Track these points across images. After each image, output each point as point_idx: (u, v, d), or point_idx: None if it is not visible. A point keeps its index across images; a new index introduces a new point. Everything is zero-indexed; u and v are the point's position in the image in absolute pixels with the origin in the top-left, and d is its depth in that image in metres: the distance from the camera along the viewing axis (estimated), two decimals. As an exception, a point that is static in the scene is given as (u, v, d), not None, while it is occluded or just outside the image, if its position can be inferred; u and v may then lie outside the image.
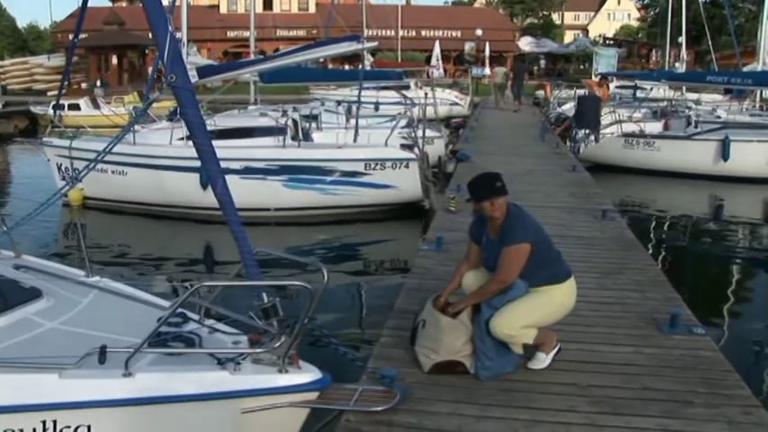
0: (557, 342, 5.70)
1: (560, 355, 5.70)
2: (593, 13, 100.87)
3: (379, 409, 4.78)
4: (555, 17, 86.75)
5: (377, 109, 21.87)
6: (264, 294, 4.55)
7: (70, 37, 19.87)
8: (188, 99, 4.65)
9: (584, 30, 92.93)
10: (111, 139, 16.21)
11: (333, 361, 5.63)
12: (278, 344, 4.48)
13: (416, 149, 15.17)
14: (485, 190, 5.41)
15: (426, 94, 19.82)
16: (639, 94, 29.36)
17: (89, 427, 4.57)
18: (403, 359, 5.74)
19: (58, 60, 47.55)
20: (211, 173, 4.68)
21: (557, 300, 5.46)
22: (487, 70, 46.35)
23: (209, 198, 14.68)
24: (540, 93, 37.40)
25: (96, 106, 32.98)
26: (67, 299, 6.03)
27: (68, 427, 4.56)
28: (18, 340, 5.20)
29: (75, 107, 32.02)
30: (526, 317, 5.31)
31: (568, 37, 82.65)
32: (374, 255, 13.08)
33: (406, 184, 14.44)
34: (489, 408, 5.03)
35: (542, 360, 5.63)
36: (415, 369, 5.55)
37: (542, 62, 63.05)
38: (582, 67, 59.26)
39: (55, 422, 4.55)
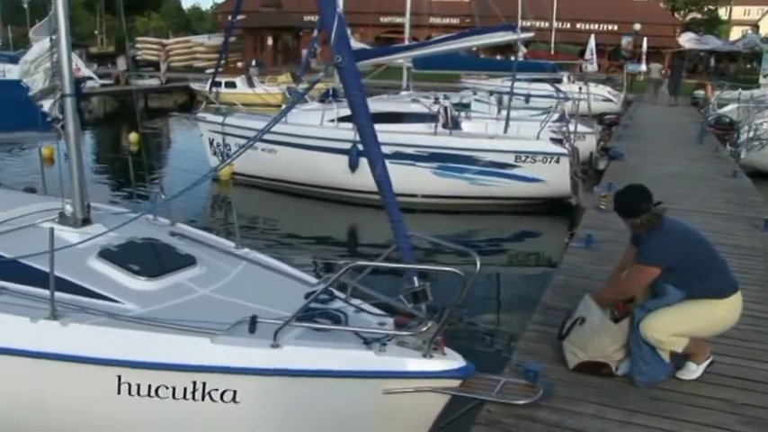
0: (709, 354, 5.46)
1: (712, 368, 5.46)
2: (766, 8, 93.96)
3: (521, 402, 4.73)
4: (722, 12, 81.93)
5: (527, 101, 21.52)
6: (415, 278, 4.56)
7: (229, 18, 20.58)
8: (353, 80, 4.71)
9: (755, 26, 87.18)
10: (262, 117, 16.81)
11: (475, 350, 5.61)
12: (425, 328, 4.49)
13: (567, 144, 14.83)
14: (627, 209, 5.32)
15: (580, 88, 19.34)
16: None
17: (235, 393, 4.74)
18: (547, 355, 5.66)
19: (217, 40, 49.28)
20: (372, 154, 4.73)
21: (717, 314, 5.22)
22: (644, 66, 44.72)
23: (356, 180, 15.16)
24: (700, 92, 35.67)
25: (251, 85, 34.16)
26: (219, 268, 6.26)
27: (216, 389, 4.74)
28: (173, 303, 5.45)
29: (232, 85, 33.29)
30: (679, 325, 5.12)
31: (735, 33, 78.05)
32: (518, 248, 12.95)
33: (556, 179, 14.19)
34: (634, 414, 4.89)
35: (693, 371, 5.41)
36: (559, 366, 5.46)
37: (711, 60, 59.91)
38: (749, 66, 55.87)
39: (204, 384, 4.74)
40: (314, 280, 6.12)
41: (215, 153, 17.56)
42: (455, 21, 52.76)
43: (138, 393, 4.86)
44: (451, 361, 4.57)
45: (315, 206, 15.51)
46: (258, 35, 52.24)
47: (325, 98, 17.09)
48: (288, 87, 26.28)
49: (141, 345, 4.81)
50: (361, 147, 14.48)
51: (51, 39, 6.55)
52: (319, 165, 15.31)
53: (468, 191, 14.62)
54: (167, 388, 4.80)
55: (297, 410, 4.77)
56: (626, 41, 54.84)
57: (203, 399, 4.76)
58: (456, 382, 4.58)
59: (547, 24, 42.76)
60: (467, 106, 19.34)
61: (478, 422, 4.73)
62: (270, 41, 52.78)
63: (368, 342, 4.65)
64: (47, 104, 6.81)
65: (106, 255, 5.92)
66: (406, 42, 21.37)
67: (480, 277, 4.23)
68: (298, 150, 15.50)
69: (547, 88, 21.43)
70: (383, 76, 20.75)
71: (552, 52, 39.88)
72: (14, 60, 22.47)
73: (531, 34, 18.76)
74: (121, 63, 41.24)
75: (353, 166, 14.59)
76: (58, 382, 5.12)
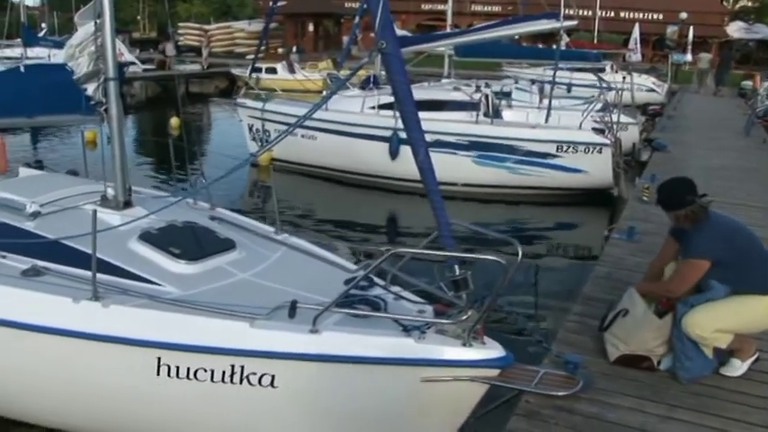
0: (755, 350, 5.35)
1: (758, 365, 5.35)
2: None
3: (560, 393, 4.68)
4: (776, -1, 79.59)
5: (569, 90, 21.28)
6: (456, 266, 4.53)
7: (270, 4, 20.62)
8: (397, 66, 4.66)
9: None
10: (302, 103, 16.82)
11: (514, 340, 5.57)
12: (465, 317, 4.46)
13: (610, 135, 14.65)
14: (670, 201, 5.22)
15: (624, 78, 19.04)
16: None
17: (273, 377, 4.76)
18: (586, 347, 5.60)
19: (257, 26, 49.47)
20: (415, 141, 4.68)
21: (762, 310, 5.09)
22: (689, 56, 43.91)
23: (397, 168, 15.14)
24: (748, 83, 34.92)
25: (292, 71, 34.28)
26: (258, 252, 6.30)
27: (254, 374, 4.77)
28: (212, 287, 5.50)
29: (273, 71, 33.45)
30: (722, 321, 5.01)
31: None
32: (557, 238, 12.82)
33: (598, 169, 14.02)
34: (676, 409, 4.82)
35: (737, 367, 5.31)
36: (599, 358, 5.40)
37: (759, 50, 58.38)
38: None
39: (242, 368, 4.77)
40: (353, 266, 6.11)
41: (254, 138, 17.65)
42: (497, 8, 52.27)
43: (177, 375, 4.90)
44: (491, 350, 4.53)
45: (354, 193, 15.51)
46: (299, 21, 52.39)
47: (366, 85, 17.08)
48: (328, 74, 26.32)
49: (181, 327, 4.85)
50: (401, 134, 14.55)
51: (96, 23, 6.63)
52: (359, 152, 15.31)
53: (508, 180, 14.52)
54: (206, 371, 4.84)
55: (334, 396, 4.77)
56: (671, 30, 53.72)
57: (241, 383, 4.79)
58: (495, 372, 4.54)
59: (590, 13, 42.15)
60: (508, 95, 19.17)
61: (517, 413, 4.70)
62: (311, 27, 52.92)
63: (407, 329, 4.63)
64: (91, 88, 6.91)
65: (147, 237, 5.98)
66: (448, 30, 21.22)
67: (519, 267, 4.18)
68: (338, 137, 15.51)
69: (589, 78, 21.15)
70: (424, 64, 20.65)
71: (595, 41, 39.30)
72: (60, 45, 22.84)
73: (574, 22, 18.51)
74: (170, 48, 41.90)
75: (394, 154, 14.56)
76: (98, 362, 5.18)
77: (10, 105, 7.29)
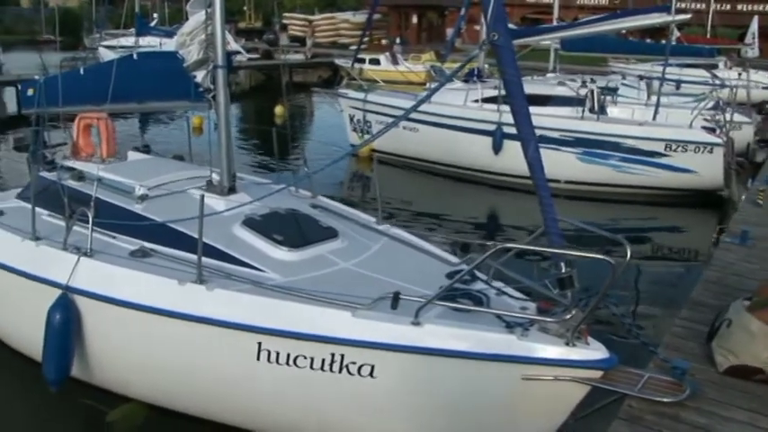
0: None
1: None
2: None
3: (665, 400, 4.52)
4: None
5: (678, 87, 20.61)
6: (563, 264, 4.42)
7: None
8: (509, 59, 4.59)
9: None
10: (403, 95, 16.81)
11: (617, 341, 5.41)
12: (569, 316, 4.36)
13: (722, 134, 14.10)
14: None
15: (739, 74, 18.29)
16: None
17: (372, 368, 4.77)
18: (694, 353, 5.38)
19: (362, 17, 49.92)
20: (524, 135, 4.61)
21: None
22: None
23: (499, 163, 14.99)
24: None
25: (395, 62, 34.36)
26: (359, 242, 6.33)
27: (354, 363, 4.79)
28: (314, 275, 5.55)
29: (376, 62, 33.66)
30: None
31: None
32: (663, 240, 12.43)
33: (708, 170, 13.55)
34: (792, 425, 4.55)
35: None
36: (707, 366, 5.18)
37: None
38: None
39: (342, 356, 4.80)
40: (454, 259, 6.07)
41: (355, 129, 17.78)
42: (604, 1, 51.19)
43: (277, 361, 4.97)
44: (595, 351, 4.43)
45: (454, 186, 15.45)
46: (403, 12, 52.49)
47: (469, 78, 16.96)
48: (431, 66, 26.24)
49: (283, 314, 4.91)
50: (505, 128, 14.38)
51: (207, 11, 6.79)
52: (461, 145, 15.24)
53: (613, 178, 14.21)
54: (305, 358, 4.89)
55: (433, 389, 4.74)
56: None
57: (340, 371, 4.82)
58: (598, 374, 4.44)
59: (704, 5, 40.68)
60: (614, 90, 18.69)
61: (620, 417, 4.55)
62: (414, 19, 52.93)
63: (510, 326, 4.58)
64: (200, 75, 7.10)
65: (250, 223, 6.09)
66: (555, 23, 20.84)
67: (625, 267, 4.05)
68: (440, 130, 15.47)
69: (700, 74, 20.45)
70: (528, 58, 20.36)
71: (708, 36, 37.81)
72: (170, 35, 23.57)
73: (687, 16, 17.93)
74: (283, 38, 43.10)
75: (497, 148, 14.44)
76: (199, 343, 5.32)
77: (123, 91, 7.56)
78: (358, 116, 17.47)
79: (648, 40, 32.62)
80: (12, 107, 23.78)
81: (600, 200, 14.05)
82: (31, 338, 6.11)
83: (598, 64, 28.98)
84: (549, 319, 4.50)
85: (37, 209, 6.52)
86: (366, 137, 16.55)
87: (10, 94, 25.59)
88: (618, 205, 13.95)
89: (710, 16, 39.68)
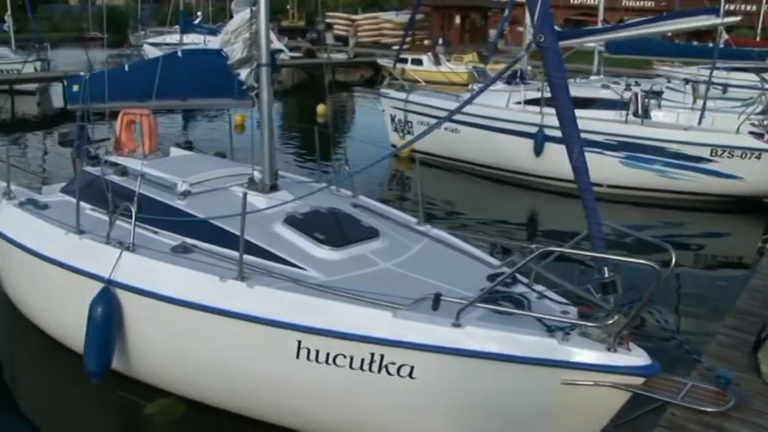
0: None
1: None
2: None
3: (709, 409, 4.43)
4: None
5: (725, 91, 20.26)
6: (606, 269, 4.38)
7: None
8: (555, 61, 4.54)
9: None
10: (445, 96, 16.78)
11: (660, 348, 5.33)
12: (611, 321, 4.31)
13: (770, 139, 13.84)
14: None
15: (790, 79, 17.87)
16: None
17: (412, 368, 4.76)
18: (739, 362, 5.27)
19: (404, 17, 49.82)
20: (569, 138, 4.57)
21: None
22: None
23: (540, 165, 14.91)
24: None
25: (437, 63, 34.30)
26: (400, 242, 6.32)
27: (393, 363, 4.78)
28: (355, 274, 5.57)
29: (418, 62, 33.63)
30: None
31: None
32: (707, 246, 12.23)
33: (755, 176, 13.32)
34: (840, 439, 4.44)
35: None
36: (753, 377, 5.07)
37: None
38: None
39: (382, 356, 4.80)
40: (495, 261, 6.05)
41: (396, 129, 17.78)
42: (649, 3, 50.52)
43: (317, 359, 4.99)
44: (637, 357, 4.38)
45: (495, 188, 15.38)
46: (446, 13, 52.32)
47: (511, 80, 16.86)
48: (474, 67, 26.15)
49: (323, 313, 4.93)
50: (547, 131, 14.28)
51: (251, 10, 6.83)
52: (503, 147, 15.16)
53: (656, 183, 14.03)
54: (345, 357, 4.90)
55: (472, 392, 4.73)
56: None
57: (380, 371, 4.82)
58: (639, 380, 4.39)
59: (754, 7, 39.91)
60: (658, 94, 18.42)
61: (661, 424, 4.48)
62: (457, 20, 52.72)
63: (550, 330, 4.54)
64: (243, 73, 7.15)
65: (292, 222, 6.12)
66: (600, 25, 20.62)
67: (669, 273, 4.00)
68: (481, 131, 15.41)
69: (749, 78, 20.05)
70: (571, 60, 20.14)
71: (758, 38, 37.09)
72: (214, 32, 23.80)
73: (736, 18, 17.60)
74: (329, 37, 43.32)
75: (538, 151, 14.35)
76: (239, 340, 5.35)
77: (167, 88, 7.62)
78: (399, 116, 17.47)
79: (695, 43, 32.15)
80: (58, 103, 24.24)
81: (643, 204, 13.88)
82: (73, 330, 6.22)
83: (642, 67, 28.63)
84: (590, 324, 4.45)
85: (81, 203, 6.63)
86: (407, 137, 16.53)
87: (56, 90, 26.07)
88: (661, 210, 13.75)
89: (761, 18, 38.92)
